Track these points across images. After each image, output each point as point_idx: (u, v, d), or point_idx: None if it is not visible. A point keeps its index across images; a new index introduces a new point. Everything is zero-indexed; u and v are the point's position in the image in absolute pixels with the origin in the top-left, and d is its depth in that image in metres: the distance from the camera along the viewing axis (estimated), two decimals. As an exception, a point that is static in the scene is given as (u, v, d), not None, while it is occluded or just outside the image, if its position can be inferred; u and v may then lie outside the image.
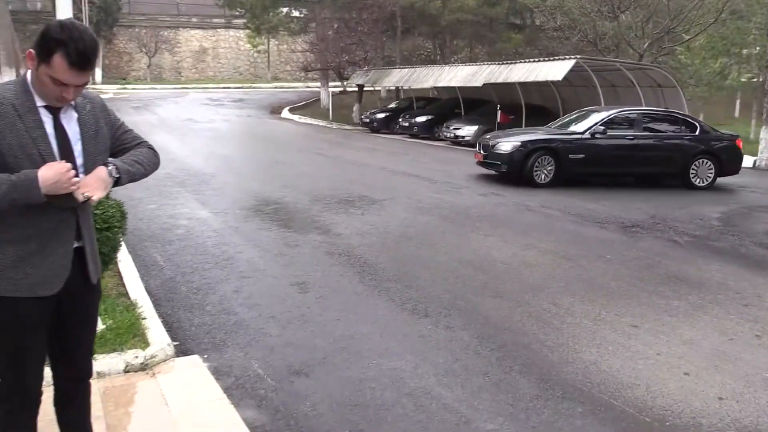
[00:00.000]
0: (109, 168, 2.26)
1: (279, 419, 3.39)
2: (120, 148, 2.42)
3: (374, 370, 3.99)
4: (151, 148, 2.51)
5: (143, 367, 3.91)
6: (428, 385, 3.81)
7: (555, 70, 16.99)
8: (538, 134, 12.24)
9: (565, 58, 17.51)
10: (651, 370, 4.13)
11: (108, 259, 4.80)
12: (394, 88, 27.88)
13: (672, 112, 13.56)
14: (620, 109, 12.83)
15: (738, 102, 27.23)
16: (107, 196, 4.85)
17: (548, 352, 4.36)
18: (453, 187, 11.22)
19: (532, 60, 19.74)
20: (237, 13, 33.85)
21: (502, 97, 22.45)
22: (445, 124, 20.68)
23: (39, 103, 2.18)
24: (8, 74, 29.91)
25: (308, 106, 32.13)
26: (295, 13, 31.54)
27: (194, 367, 4.00)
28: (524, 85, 19.56)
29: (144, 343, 4.10)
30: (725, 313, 5.24)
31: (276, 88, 41.33)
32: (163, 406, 3.51)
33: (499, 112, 15.08)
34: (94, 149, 2.29)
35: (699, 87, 21.16)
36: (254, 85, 42.90)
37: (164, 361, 4.02)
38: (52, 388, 2.54)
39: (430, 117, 22.15)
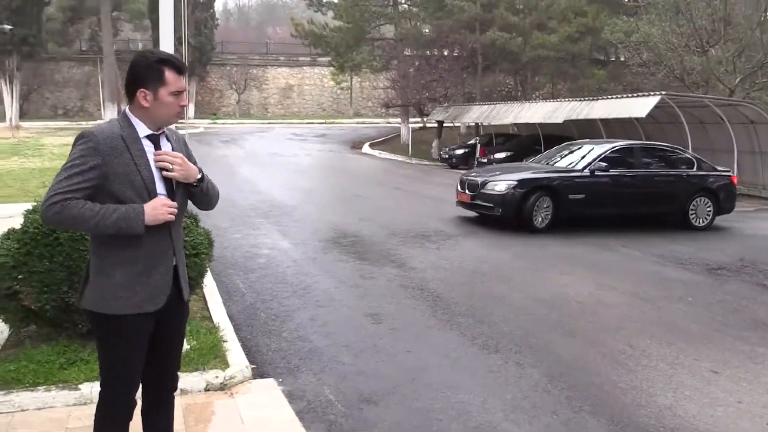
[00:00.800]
0: (201, 173, 2.58)
1: (347, 444, 3.51)
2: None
3: (442, 402, 4.05)
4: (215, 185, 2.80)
5: (222, 387, 4.14)
6: (495, 420, 3.83)
7: (639, 106, 16.62)
8: (529, 172, 10.92)
9: (649, 94, 17.11)
10: (731, 418, 3.98)
11: (195, 284, 5.10)
12: (473, 124, 27.98)
13: (669, 146, 12.54)
14: (617, 144, 11.69)
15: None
16: (196, 224, 5.20)
17: (621, 393, 4.29)
18: (530, 224, 11.15)
19: (614, 96, 19.39)
20: (322, 52, 35.06)
21: (583, 133, 22.13)
22: (524, 161, 20.52)
23: (141, 134, 2.47)
24: (110, 108, 32.18)
25: (388, 141, 32.68)
26: (378, 52, 32.36)
27: (270, 389, 4.19)
28: (607, 122, 19.23)
29: (224, 365, 4.33)
30: (816, 363, 4.97)
31: (357, 123, 42.31)
32: (239, 424, 3.70)
33: (478, 146, 12.78)
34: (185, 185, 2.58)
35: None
36: (336, 120, 44.09)
37: (242, 382, 4.23)
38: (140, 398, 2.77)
39: (509, 153, 22.04)
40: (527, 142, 22.96)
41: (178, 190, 2.55)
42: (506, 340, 5.21)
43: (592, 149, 11.33)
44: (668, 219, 11.48)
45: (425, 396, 4.12)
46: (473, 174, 11.38)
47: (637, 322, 5.85)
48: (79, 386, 3.96)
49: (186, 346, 4.38)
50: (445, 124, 28.68)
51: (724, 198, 11.62)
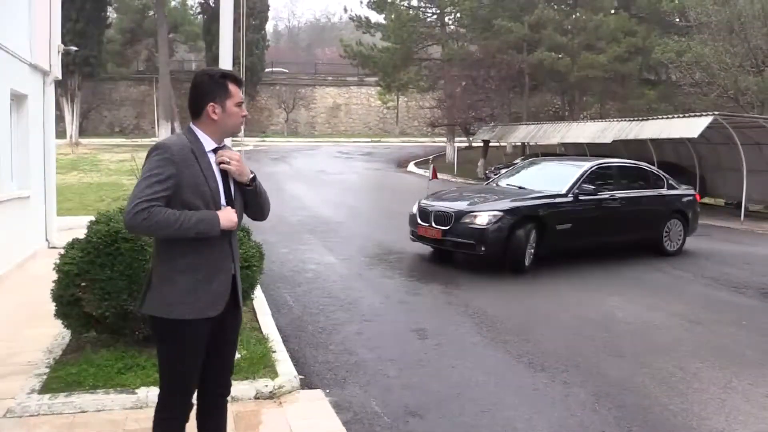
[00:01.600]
0: (254, 174, 2.74)
1: (393, 455, 3.56)
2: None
3: (487, 418, 4.06)
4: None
5: (271, 396, 4.25)
6: (541, 437, 3.83)
7: (690, 127, 16.30)
8: (508, 199, 8.84)
9: (701, 115, 16.77)
10: (786, 444, 3.88)
11: (246, 296, 5.26)
12: (519, 143, 27.88)
13: (641, 164, 11.27)
14: (598, 162, 10.00)
15: None
16: (248, 237, 5.37)
17: (671, 416, 4.22)
18: (577, 244, 11.02)
19: (665, 116, 19.07)
20: (369, 72, 35.52)
21: (632, 154, 21.78)
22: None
23: (207, 148, 2.63)
24: (164, 127, 33.19)
25: (434, 160, 32.75)
26: (425, 72, 32.61)
27: (317, 399, 4.27)
28: (657, 142, 18.90)
29: (273, 374, 4.44)
30: None
31: (403, 142, 42.55)
32: (288, 432, 3.79)
33: (431, 167, 11.64)
34: (239, 188, 2.74)
35: None
36: (383, 139, 44.43)
37: (290, 392, 4.33)
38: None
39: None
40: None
41: (236, 198, 2.70)
42: (553, 359, 5.18)
43: (568, 168, 9.86)
44: (642, 245, 10.20)
45: (470, 411, 4.14)
46: (439, 203, 9.00)
47: (687, 344, 5.74)
48: (136, 390, 4.12)
49: (236, 356, 4.51)
50: (491, 144, 28.63)
51: (692, 218, 10.71)
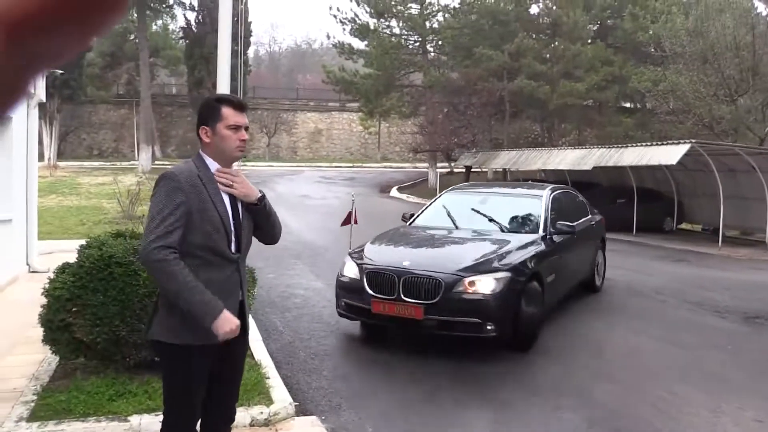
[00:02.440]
0: (262, 193, 2.75)
1: (393, 482, 3.54)
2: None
3: (484, 443, 4.06)
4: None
5: (266, 423, 4.20)
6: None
7: (669, 154, 16.64)
8: (491, 252, 6.33)
9: (679, 142, 17.14)
10: (778, 467, 3.92)
11: (238, 321, 5.22)
12: (501, 169, 28.15)
13: (570, 188, 10.10)
14: (551, 188, 8.35)
15: None
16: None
17: (664, 440, 4.25)
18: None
19: (644, 144, 19.45)
20: (351, 98, 35.79)
21: (612, 180, 22.14)
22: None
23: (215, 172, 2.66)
24: (144, 150, 32.98)
25: (416, 185, 32.94)
26: (407, 98, 32.93)
27: (313, 426, 4.24)
28: (636, 169, 19.23)
29: (268, 401, 4.40)
30: None
31: (385, 167, 42.74)
32: (285, 460, 3.75)
33: (354, 207, 8.68)
34: (248, 209, 2.76)
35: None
36: (364, 164, 44.60)
37: (285, 419, 4.30)
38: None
39: (537, 199, 22.09)
40: (555, 188, 22.99)
41: (245, 221, 2.71)
42: (545, 386, 5.20)
43: (521, 200, 8.13)
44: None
45: (467, 437, 4.14)
46: (396, 265, 5.98)
47: (674, 369, 5.80)
48: (129, 418, 4.06)
49: (230, 381, 4.47)
50: (472, 170, 28.89)
51: (604, 246, 9.62)
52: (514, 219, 7.60)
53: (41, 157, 34.54)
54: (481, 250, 6.37)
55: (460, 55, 30.69)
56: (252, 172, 36.07)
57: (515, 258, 6.26)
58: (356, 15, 31.70)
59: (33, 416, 4.09)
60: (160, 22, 43.18)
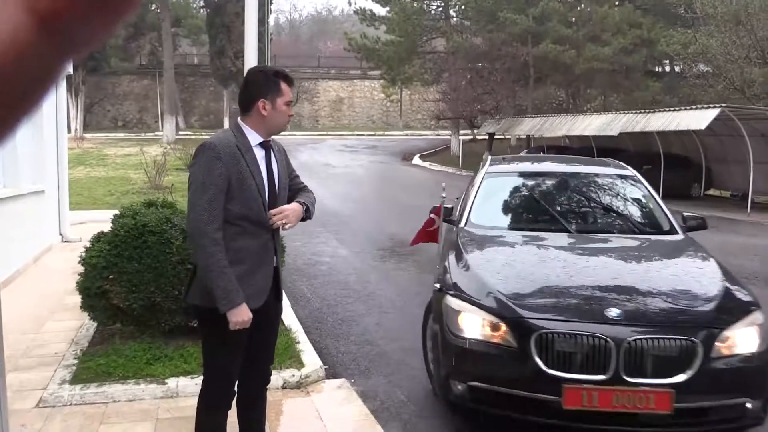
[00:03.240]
0: (304, 206, 2.77)
1: (422, 442, 3.64)
2: (291, 185, 2.92)
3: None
4: (311, 192, 3.01)
5: (298, 385, 4.33)
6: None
7: (698, 119, 16.33)
8: (674, 264, 4.63)
9: (709, 106, 16.80)
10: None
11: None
12: (524, 136, 27.91)
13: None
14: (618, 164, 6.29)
15: None
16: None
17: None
18: (586, 236, 11.09)
19: (672, 109, 19.10)
20: (373, 66, 35.53)
21: (638, 146, 21.82)
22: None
23: (254, 142, 2.70)
24: (169, 121, 33.23)
25: (438, 153, 32.81)
26: (429, 65, 32.60)
27: (343, 388, 4.35)
28: (663, 134, 18.94)
29: (299, 364, 4.52)
30: None
31: (407, 135, 42.57)
32: (317, 420, 3.87)
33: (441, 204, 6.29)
34: (284, 178, 2.83)
35: None
36: (386, 132, 44.44)
37: (316, 381, 4.42)
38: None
39: (561, 165, 21.89)
40: (579, 155, 22.77)
41: (281, 192, 2.77)
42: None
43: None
44: None
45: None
46: (593, 317, 3.49)
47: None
48: (166, 381, 4.21)
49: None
50: (495, 136, 28.66)
51: None
52: (619, 211, 5.30)
53: (68, 129, 34.99)
54: (694, 274, 4.20)
55: (483, 20, 30.18)
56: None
57: (727, 280, 4.07)
58: (378, -20, 31.33)
59: (75, 379, 4.26)
60: (180, -9, 43.04)
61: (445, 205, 5.67)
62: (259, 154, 2.71)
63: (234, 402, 2.92)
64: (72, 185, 16.58)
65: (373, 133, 44.00)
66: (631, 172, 5.84)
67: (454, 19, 32.72)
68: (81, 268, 4.89)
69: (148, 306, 4.62)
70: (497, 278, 3.87)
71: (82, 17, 0.30)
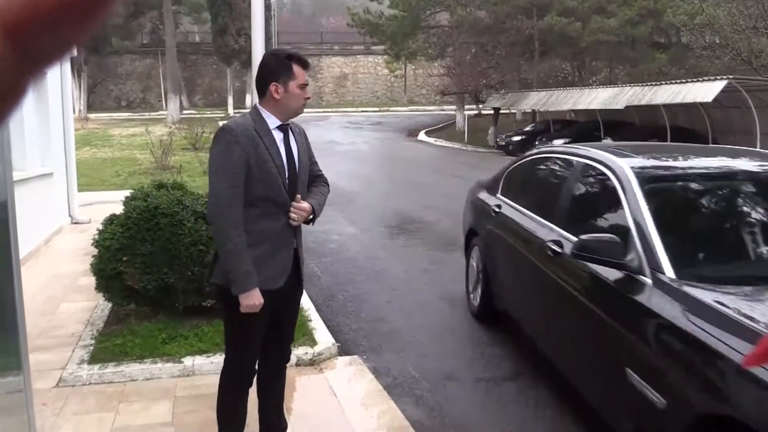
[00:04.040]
0: (311, 213, 2.82)
1: (434, 416, 3.72)
2: (310, 170, 2.94)
3: (524, 382, 4.21)
4: (327, 183, 3.07)
5: (311, 363, 4.40)
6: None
7: (704, 91, 16.22)
8: None
9: (715, 78, 16.68)
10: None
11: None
12: (530, 110, 27.75)
13: None
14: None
15: None
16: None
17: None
18: (593, 211, 11.10)
19: (678, 81, 18.95)
20: (377, 41, 35.26)
21: (644, 119, 21.70)
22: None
23: (272, 126, 2.72)
24: (172, 100, 33.15)
25: (444, 128, 32.69)
26: (433, 40, 32.32)
27: (356, 365, 4.43)
28: (669, 107, 18.82)
29: (312, 342, 4.60)
30: None
31: (412, 111, 42.39)
32: (331, 396, 3.95)
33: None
34: (305, 161, 2.86)
35: None
36: (391, 108, 44.27)
37: (329, 358, 4.49)
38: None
39: (567, 140, 21.83)
40: (586, 129, 22.68)
41: (301, 174, 2.81)
42: (579, 324, 5.32)
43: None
44: None
45: (501, 369, 4.29)
46: None
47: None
48: (183, 359, 4.29)
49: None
50: (501, 111, 28.52)
51: None
52: None
53: (72, 109, 35.03)
54: None
55: (487, -7, 29.86)
56: (279, 120, 36.12)
57: None
58: (380, -46, 30.94)
59: (93, 359, 4.34)
60: (181, -32, 42.60)
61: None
62: (278, 137, 2.74)
63: (255, 379, 3.00)
64: (78, 166, 16.64)
65: (377, 109, 43.83)
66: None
67: (458, -9, 32.36)
68: (92, 249, 4.96)
69: (162, 287, 4.69)
70: None
71: (49, 28, 0.29)
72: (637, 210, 3.17)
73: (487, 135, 27.80)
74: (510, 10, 27.97)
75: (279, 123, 2.74)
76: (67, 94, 9.66)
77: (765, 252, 3.25)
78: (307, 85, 2.75)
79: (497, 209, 4.99)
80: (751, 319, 2.37)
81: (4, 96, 0.30)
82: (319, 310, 5.41)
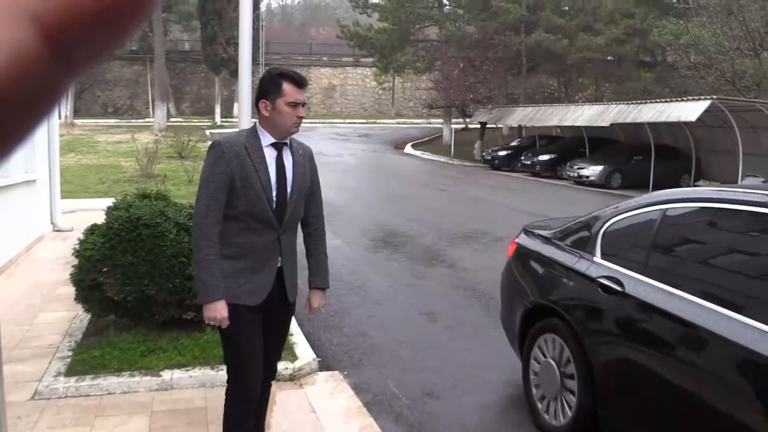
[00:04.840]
0: (324, 292, 3.03)
1: (414, 434, 3.70)
2: (307, 196, 2.91)
3: (503, 398, 4.21)
4: (323, 233, 3.09)
5: (291, 378, 4.38)
6: (554, 417, 3.97)
7: (688, 110, 16.44)
8: None
9: (699, 98, 16.91)
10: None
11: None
12: (516, 125, 27.95)
13: None
14: None
15: None
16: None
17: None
18: (577, 227, 11.15)
19: (663, 100, 19.20)
20: (366, 53, 35.39)
21: (629, 137, 21.93)
22: (568, 163, 20.50)
23: (265, 143, 2.73)
24: (160, 107, 33.04)
25: (430, 142, 32.82)
26: (422, 53, 32.53)
27: (336, 381, 4.41)
28: (654, 125, 19.04)
29: (293, 357, 4.57)
30: None
31: (399, 123, 42.52)
32: (310, 412, 3.93)
33: None
34: (301, 182, 2.82)
35: None
36: (378, 120, 44.38)
37: (309, 374, 4.47)
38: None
39: (553, 155, 22.02)
40: (572, 145, 22.89)
41: (293, 196, 2.79)
42: (560, 342, 5.33)
43: None
44: None
45: (486, 391, 4.29)
46: None
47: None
48: (161, 373, 4.24)
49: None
50: (488, 126, 28.70)
51: None
52: None
53: (58, 115, 34.81)
54: None
55: (476, 8, 30.14)
56: (267, 129, 36.06)
57: None
58: (370, -33, 31.15)
59: (70, 371, 4.29)
60: (171, -24, 42.60)
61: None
62: (270, 154, 2.74)
63: None
64: (63, 173, 16.48)
65: (365, 121, 43.91)
66: None
67: (447, 7, 32.64)
68: (73, 259, 4.91)
69: (142, 299, 4.65)
70: None
71: (90, 32, 0.29)
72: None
73: (473, 149, 27.96)
74: (498, 26, 28.26)
75: (273, 141, 2.74)
76: (51, 100, 9.59)
77: None
78: (299, 104, 2.71)
79: (615, 286, 3.27)
80: None
81: (40, 99, 0.30)
82: (300, 324, 5.39)
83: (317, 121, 43.14)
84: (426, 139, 33.88)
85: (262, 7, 46.80)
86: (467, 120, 32.03)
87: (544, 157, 22.07)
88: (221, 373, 4.21)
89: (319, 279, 3.04)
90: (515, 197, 15.79)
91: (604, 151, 20.73)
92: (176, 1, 42.43)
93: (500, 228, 10.69)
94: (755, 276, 2.80)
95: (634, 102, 20.35)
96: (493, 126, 30.30)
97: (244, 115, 5.36)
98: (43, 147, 9.20)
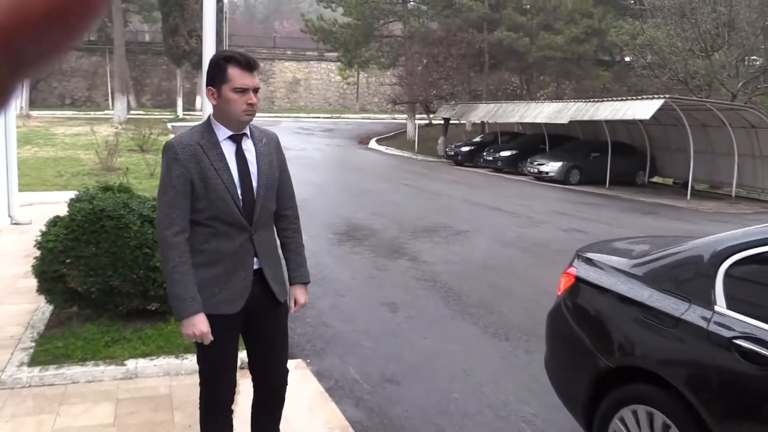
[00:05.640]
0: (306, 286, 2.88)
1: (374, 418, 3.86)
2: (278, 188, 2.70)
3: (459, 383, 4.40)
4: (298, 227, 2.93)
5: (255, 366, 4.48)
6: (507, 400, 4.18)
7: (643, 109, 16.96)
8: None
9: (653, 97, 17.45)
10: None
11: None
12: (479, 122, 28.32)
13: None
14: None
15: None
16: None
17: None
18: (534, 222, 11.48)
19: (619, 98, 19.74)
20: (330, 48, 35.35)
21: (587, 134, 22.49)
22: (529, 159, 20.92)
23: (222, 137, 2.50)
24: (119, 99, 32.46)
25: (395, 137, 33.01)
26: (386, 49, 32.66)
27: (299, 368, 4.53)
28: (611, 123, 19.57)
29: (256, 346, 4.68)
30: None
31: (363, 118, 42.61)
32: (274, 399, 4.04)
33: None
34: (268, 174, 2.59)
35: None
36: (343, 115, 44.40)
37: (273, 362, 4.58)
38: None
39: (514, 152, 22.43)
40: (532, 142, 23.33)
41: (260, 190, 2.57)
42: (516, 330, 5.56)
43: None
44: None
45: (443, 377, 4.48)
46: None
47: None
48: (125, 362, 4.31)
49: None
50: (451, 122, 29.02)
51: None
52: None
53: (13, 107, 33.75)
54: None
55: (440, 5, 30.42)
56: (229, 123, 35.72)
57: None
58: (335, -39, 31.12)
59: (33, 361, 4.32)
60: (131, -35, 41.83)
61: None
62: (230, 149, 2.52)
63: (251, 408, 2.90)
64: (19, 165, 16.14)
65: (329, 115, 43.87)
66: None
67: (411, 3, 32.81)
68: (33, 251, 4.91)
69: (105, 290, 4.69)
70: None
71: (37, 33, 0.29)
72: None
73: (437, 145, 28.25)
74: (461, 23, 28.58)
75: (230, 133, 2.51)
76: (9, 92, 9.44)
77: None
78: (248, 89, 2.44)
79: (764, 351, 2.33)
80: None
81: None
82: (264, 314, 5.50)
83: (282, 115, 42.92)
84: (390, 134, 34.05)
85: (225, -1, 46.31)
86: (431, 116, 32.30)
87: (506, 153, 22.47)
88: (186, 362, 4.30)
89: (299, 274, 2.83)
90: (477, 192, 16.09)
91: (563, 147, 21.22)
92: (137, -8, 41.67)
93: (461, 222, 10.94)
94: None
95: (591, 100, 20.87)
96: (457, 122, 30.64)
97: (207, 109, 5.41)
98: None
